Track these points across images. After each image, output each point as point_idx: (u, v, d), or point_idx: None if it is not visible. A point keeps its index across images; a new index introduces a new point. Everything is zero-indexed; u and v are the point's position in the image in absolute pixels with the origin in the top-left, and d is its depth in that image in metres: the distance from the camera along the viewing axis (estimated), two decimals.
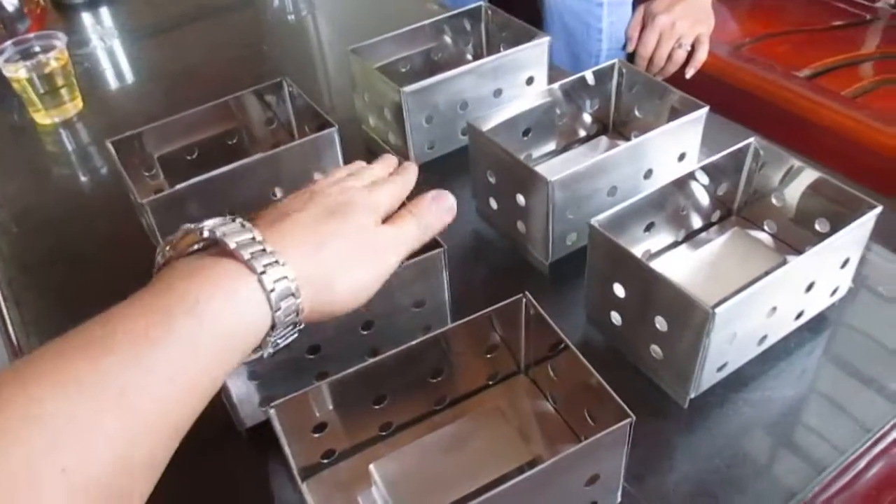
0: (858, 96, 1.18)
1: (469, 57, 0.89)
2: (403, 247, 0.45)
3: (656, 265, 0.52)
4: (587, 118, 0.78)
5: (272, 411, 0.45)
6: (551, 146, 0.77)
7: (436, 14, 0.87)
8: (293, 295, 0.38)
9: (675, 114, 0.69)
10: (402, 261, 0.46)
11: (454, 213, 0.48)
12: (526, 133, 0.73)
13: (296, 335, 0.41)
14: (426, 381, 0.52)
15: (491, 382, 0.55)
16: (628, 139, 0.77)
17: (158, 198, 0.62)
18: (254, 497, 0.52)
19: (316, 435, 0.49)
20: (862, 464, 0.51)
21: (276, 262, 0.38)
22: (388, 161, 0.52)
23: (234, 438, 0.54)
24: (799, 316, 0.57)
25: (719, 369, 0.54)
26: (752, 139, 0.62)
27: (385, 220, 0.46)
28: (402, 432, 0.53)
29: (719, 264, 0.62)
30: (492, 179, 0.67)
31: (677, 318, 0.51)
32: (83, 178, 0.87)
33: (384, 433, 0.52)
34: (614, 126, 0.79)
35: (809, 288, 0.55)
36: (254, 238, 0.38)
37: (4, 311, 0.70)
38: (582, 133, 0.78)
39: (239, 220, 0.40)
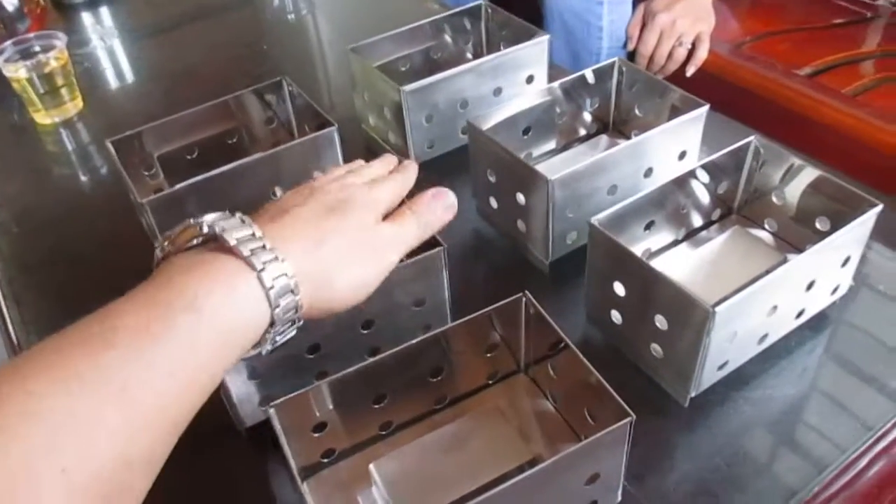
0: (859, 94, 1.18)
1: (469, 56, 0.89)
2: (403, 244, 0.45)
3: (656, 264, 0.52)
4: (587, 117, 0.77)
5: (272, 411, 0.45)
6: (551, 145, 0.77)
7: (435, 13, 0.87)
8: (292, 291, 0.38)
9: (675, 112, 0.69)
10: (401, 258, 0.46)
11: (454, 211, 0.48)
12: (526, 132, 0.73)
13: (294, 332, 0.41)
14: (426, 380, 0.52)
15: (491, 381, 0.55)
16: (628, 138, 0.77)
17: (158, 197, 0.62)
18: (254, 496, 0.52)
19: (316, 434, 0.49)
20: (863, 462, 0.51)
21: (276, 258, 0.38)
22: (388, 159, 0.52)
23: (234, 438, 0.54)
24: (799, 314, 0.57)
25: (720, 368, 0.53)
26: (752, 137, 0.62)
27: (385, 218, 0.46)
28: (402, 431, 0.53)
29: (720, 263, 0.62)
30: (492, 178, 0.67)
31: (678, 316, 0.51)
32: (83, 178, 0.87)
33: (384, 432, 0.52)
34: (614, 124, 0.79)
35: (810, 286, 0.54)
36: (253, 234, 0.38)
37: (5, 310, 0.70)
38: (582, 132, 0.78)
39: (238, 215, 0.40)
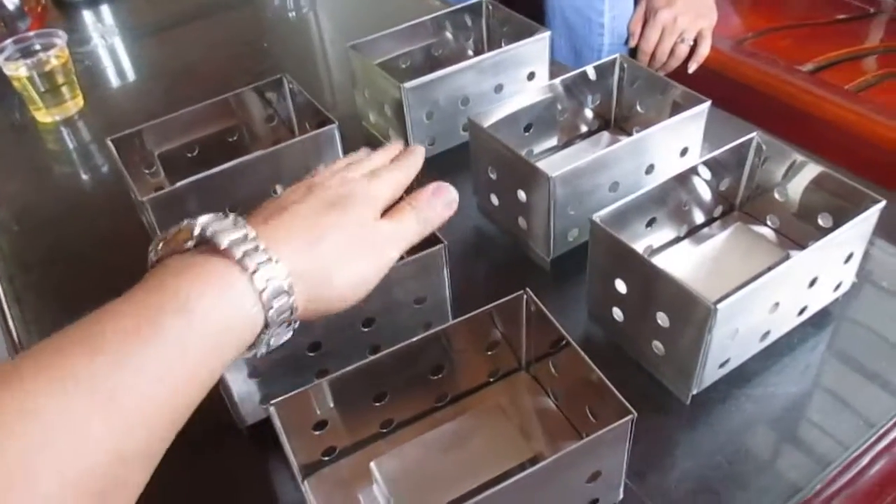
0: (862, 90, 1.18)
1: (470, 52, 0.89)
2: (403, 241, 0.45)
3: (658, 261, 0.52)
4: (588, 113, 0.77)
5: (272, 409, 0.45)
6: (552, 142, 0.77)
7: (436, 10, 0.87)
8: (286, 293, 0.38)
9: (676, 109, 0.68)
10: (401, 255, 0.45)
11: (455, 207, 0.48)
12: (527, 129, 0.73)
13: (290, 334, 0.40)
14: (427, 378, 0.51)
15: (492, 379, 0.55)
16: (630, 134, 0.76)
17: (159, 195, 0.62)
18: (255, 495, 0.52)
19: (317, 432, 0.49)
20: (865, 460, 0.51)
21: (269, 259, 0.37)
22: (393, 148, 0.51)
23: (235, 436, 0.54)
24: (802, 311, 0.57)
25: (721, 365, 0.53)
26: (754, 134, 0.62)
27: (385, 213, 0.45)
28: (403, 429, 0.52)
29: (721, 260, 0.62)
30: (493, 175, 0.67)
31: (679, 313, 0.50)
32: (84, 177, 0.87)
33: (385, 430, 0.52)
34: (616, 121, 0.79)
35: (812, 283, 0.54)
36: (246, 235, 0.38)
37: (6, 308, 0.70)
38: (583, 128, 0.78)
39: (233, 216, 0.39)
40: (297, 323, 0.40)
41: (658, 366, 0.55)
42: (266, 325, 0.38)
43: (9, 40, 0.92)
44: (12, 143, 0.95)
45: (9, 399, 0.30)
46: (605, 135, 0.79)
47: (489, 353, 0.53)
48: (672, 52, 1.22)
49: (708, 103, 0.66)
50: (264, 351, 0.39)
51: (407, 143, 0.75)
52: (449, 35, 0.87)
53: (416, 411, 0.53)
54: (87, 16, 1.20)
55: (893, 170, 1.08)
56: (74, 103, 0.95)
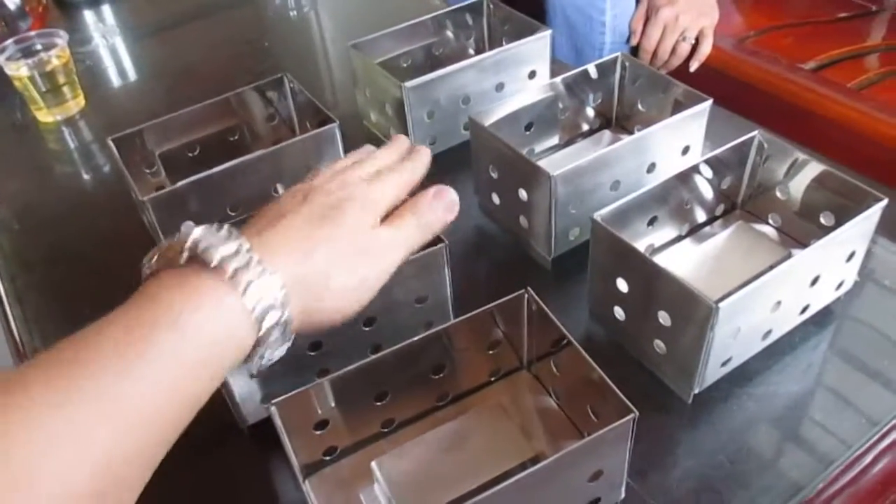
0: (864, 88, 1.17)
1: (471, 51, 0.88)
2: (402, 248, 0.44)
3: (659, 260, 0.52)
4: (590, 112, 0.77)
5: (274, 408, 0.45)
6: (554, 140, 0.76)
7: (437, 9, 0.87)
8: (280, 307, 0.37)
9: (678, 107, 0.68)
10: (401, 262, 0.45)
11: (456, 211, 0.47)
12: (528, 127, 0.73)
13: (285, 348, 0.40)
14: (428, 377, 0.51)
15: (493, 378, 0.55)
16: (631, 133, 0.76)
17: (159, 195, 0.62)
18: (256, 494, 0.52)
19: (318, 432, 0.49)
20: (868, 458, 0.51)
21: (263, 272, 0.37)
22: (398, 146, 0.50)
23: (236, 436, 0.54)
24: (804, 310, 0.56)
25: (723, 364, 0.53)
26: (756, 132, 0.62)
27: (386, 217, 0.45)
28: (404, 429, 0.52)
29: (723, 258, 0.62)
30: (494, 174, 0.67)
31: (681, 312, 0.50)
32: (85, 176, 0.87)
33: (386, 430, 0.52)
34: (617, 120, 0.78)
35: (814, 282, 0.54)
36: (238, 248, 0.37)
37: (7, 308, 0.70)
38: (585, 127, 0.78)
39: (226, 227, 0.39)
40: (293, 337, 0.40)
41: (660, 365, 0.55)
42: (259, 340, 0.37)
43: (10, 40, 0.92)
44: (13, 142, 0.95)
45: (15, 409, 0.30)
46: (607, 133, 0.79)
47: (490, 352, 0.53)
48: (674, 50, 1.22)
49: (709, 102, 0.66)
50: (262, 364, 0.39)
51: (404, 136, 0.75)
52: (450, 34, 0.87)
53: (417, 411, 0.53)
54: (89, 15, 1.20)
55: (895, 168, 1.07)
56: (75, 103, 0.95)
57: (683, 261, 0.62)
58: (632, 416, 0.42)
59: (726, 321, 0.48)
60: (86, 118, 0.95)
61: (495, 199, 0.68)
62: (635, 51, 1.25)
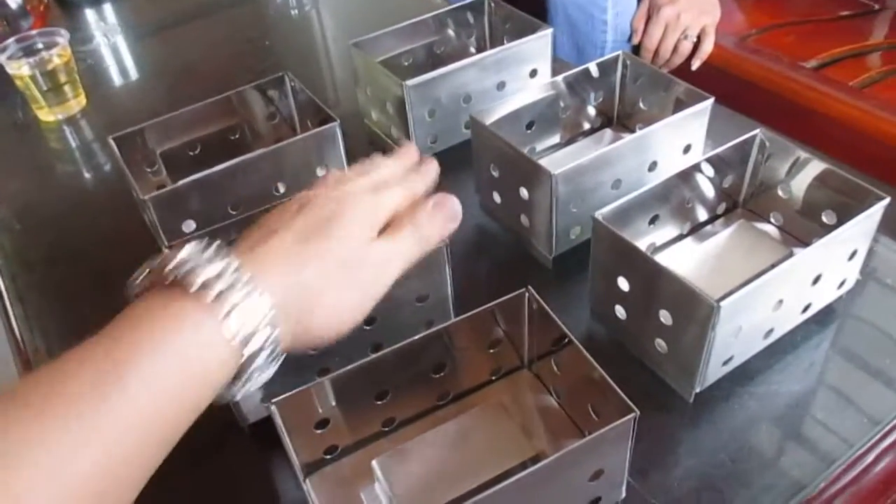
0: (866, 87, 1.17)
1: (472, 50, 0.88)
2: (399, 262, 0.43)
3: (661, 258, 0.52)
4: (591, 111, 0.77)
5: (274, 407, 0.45)
6: (555, 139, 0.76)
7: (438, 7, 0.86)
8: (268, 327, 0.37)
9: (679, 105, 0.68)
10: (398, 275, 0.43)
11: (458, 221, 0.46)
12: (529, 126, 0.73)
13: (274, 369, 0.39)
14: (429, 376, 0.51)
15: (494, 377, 0.55)
16: (633, 131, 0.76)
17: (160, 194, 0.62)
18: (256, 493, 0.52)
19: (318, 431, 0.49)
20: (870, 457, 0.51)
21: (250, 293, 0.36)
22: (406, 157, 0.49)
23: (237, 435, 0.54)
24: (806, 309, 0.56)
25: (725, 363, 0.53)
26: (757, 131, 0.62)
27: (385, 228, 0.43)
28: (405, 428, 0.52)
29: (725, 257, 0.62)
30: (495, 173, 0.67)
31: (682, 311, 0.50)
32: (86, 175, 0.87)
33: (387, 429, 0.52)
34: (618, 118, 0.78)
35: (816, 280, 0.54)
36: (224, 269, 0.36)
37: (8, 307, 0.70)
38: (586, 126, 0.78)
39: (216, 245, 0.38)
40: (283, 356, 0.39)
41: (661, 364, 0.55)
42: (242, 367, 0.37)
43: (11, 39, 0.92)
44: (15, 141, 0.95)
45: (16, 428, 0.31)
46: (608, 132, 0.78)
47: (491, 351, 0.53)
48: (675, 49, 1.22)
49: (711, 100, 0.65)
50: (246, 388, 0.38)
51: (408, 141, 0.75)
52: (451, 32, 0.87)
53: (417, 410, 0.53)
54: (90, 14, 1.20)
55: None
56: (77, 102, 0.95)
57: (685, 260, 0.62)
58: (633, 415, 0.42)
59: (728, 320, 0.48)
60: (87, 117, 0.95)
61: (496, 197, 0.68)
62: (637, 49, 1.24)
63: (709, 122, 0.67)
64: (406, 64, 0.85)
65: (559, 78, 0.72)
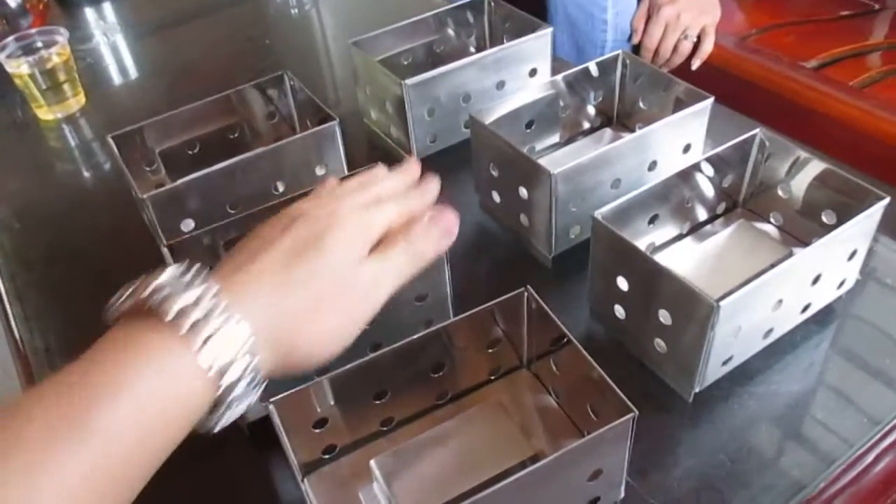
0: (866, 87, 1.17)
1: (472, 49, 0.88)
2: (390, 280, 0.41)
3: (660, 258, 0.52)
4: (591, 110, 0.77)
5: (272, 407, 0.45)
6: (555, 138, 0.76)
7: (438, 6, 0.86)
8: (246, 356, 0.35)
9: (679, 105, 0.68)
10: (391, 294, 0.42)
11: (454, 235, 0.44)
12: (529, 125, 0.73)
13: (256, 397, 0.38)
14: (428, 375, 0.51)
15: (493, 377, 0.55)
16: (632, 131, 0.76)
17: (159, 193, 0.62)
18: (255, 493, 0.52)
19: (317, 430, 0.48)
20: (870, 457, 0.50)
21: (227, 320, 0.35)
22: (408, 173, 0.48)
23: (235, 434, 0.54)
24: (805, 309, 0.56)
25: (724, 363, 0.53)
26: (757, 130, 0.61)
27: (377, 246, 0.42)
28: (404, 427, 0.52)
29: (724, 257, 0.62)
30: (494, 172, 0.66)
31: (681, 311, 0.50)
32: (85, 174, 0.87)
33: (385, 428, 0.52)
34: (618, 118, 0.78)
35: (816, 280, 0.54)
36: (201, 296, 0.35)
37: (7, 306, 0.70)
38: (585, 125, 0.78)
39: (194, 270, 0.37)
40: (263, 385, 0.38)
41: (660, 364, 0.55)
42: (219, 399, 0.36)
43: (10, 38, 0.92)
44: (14, 140, 0.95)
45: (16, 452, 0.31)
46: (608, 131, 0.78)
47: (490, 350, 0.53)
48: (675, 48, 1.21)
49: (711, 100, 0.65)
50: (224, 419, 0.37)
51: (408, 140, 0.75)
52: (451, 31, 0.87)
53: (416, 409, 0.53)
54: (89, 13, 1.20)
55: None
56: (76, 101, 0.95)
57: (684, 259, 0.62)
58: (632, 415, 0.42)
59: (727, 320, 0.48)
60: (86, 116, 0.95)
61: (496, 197, 0.68)
62: (637, 49, 1.24)
63: (708, 122, 0.67)
64: (406, 63, 0.85)
65: (559, 77, 0.72)
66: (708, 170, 0.61)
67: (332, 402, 0.48)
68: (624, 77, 0.75)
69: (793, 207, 0.62)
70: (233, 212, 0.65)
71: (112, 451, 0.32)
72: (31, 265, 0.75)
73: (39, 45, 0.92)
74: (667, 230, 0.63)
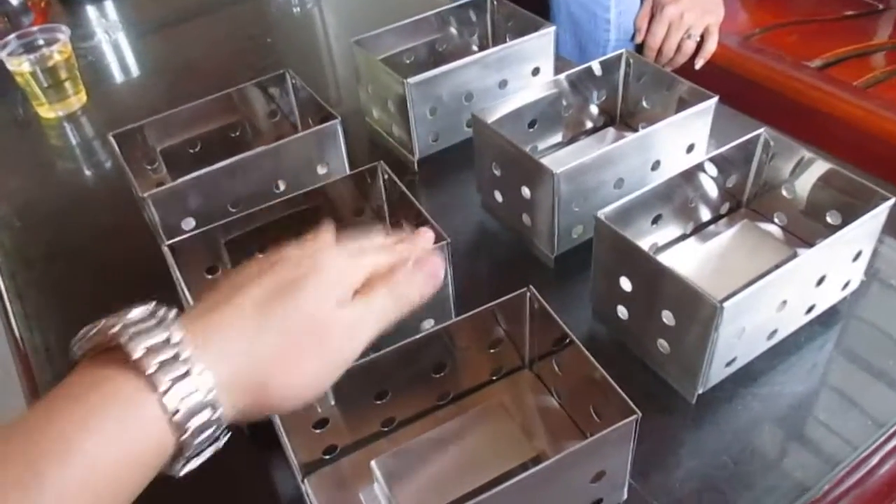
0: (870, 87, 1.16)
1: (474, 48, 0.88)
2: (371, 324, 0.40)
3: (664, 258, 0.52)
4: (594, 109, 0.77)
5: None
6: (557, 138, 0.76)
7: (441, 5, 0.86)
8: (210, 407, 0.34)
9: (683, 104, 0.68)
10: (371, 339, 0.40)
11: (440, 279, 0.43)
12: (532, 125, 0.72)
13: (220, 444, 0.37)
14: (429, 376, 0.51)
15: (494, 377, 0.55)
16: (636, 130, 0.76)
17: (160, 191, 0.62)
18: (255, 493, 0.52)
19: (317, 431, 0.48)
20: (875, 460, 0.50)
21: (188, 371, 0.33)
22: (406, 233, 0.47)
23: (236, 434, 0.53)
24: (810, 310, 0.56)
25: (728, 364, 0.53)
26: (761, 130, 0.61)
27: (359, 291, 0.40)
28: (405, 428, 0.52)
29: (728, 257, 0.61)
30: (497, 172, 0.66)
31: (685, 312, 0.50)
32: (86, 172, 0.87)
33: (386, 429, 0.52)
34: (621, 117, 0.78)
35: (820, 281, 0.53)
36: (168, 340, 0.34)
37: (7, 304, 0.70)
38: (588, 124, 0.78)
39: (163, 311, 0.35)
40: (227, 436, 0.36)
41: (663, 364, 0.55)
42: (183, 445, 0.34)
43: (12, 35, 0.92)
44: (15, 138, 0.95)
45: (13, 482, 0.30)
46: (611, 131, 0.78)
47: (492, 350, 0.53)
48: (678, 48, 1.21)
49: (715, 99, 0.65)
50: (190, 467, 0.36)
51: (410, 138, 0.75)
52: (453, 30, 0.86)
53: (417, 409, 0.52)
54: (91, 11, 1.20)
55: None
56: (77, 99, 0.95)
57: (688, 260, 0.61)
58: (635, 416, 0.42)
59: (731, 321, 0.48)
60: (87, 114, 0.95)
61: (498, 196, 0.68)
62: (640, 48, 1.24)
63: (712, 122, 0.67)
64: (408, 62, 0.84)
65: (562, 76, 0.71)
66: (711, 170, 0.61)
67: (332, 403, 0.48)
68: (627, 76, 0.74)
69: (797, 208, 0.62)
70: (234, 211, 0.65)
71: (83, 485, 0.31)
72: (32, 263, 0.74)
73: (41, 42, 0.92)
74: (670, 230, 0.63)
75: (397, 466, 0.48)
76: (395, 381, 0.49)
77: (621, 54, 0.73)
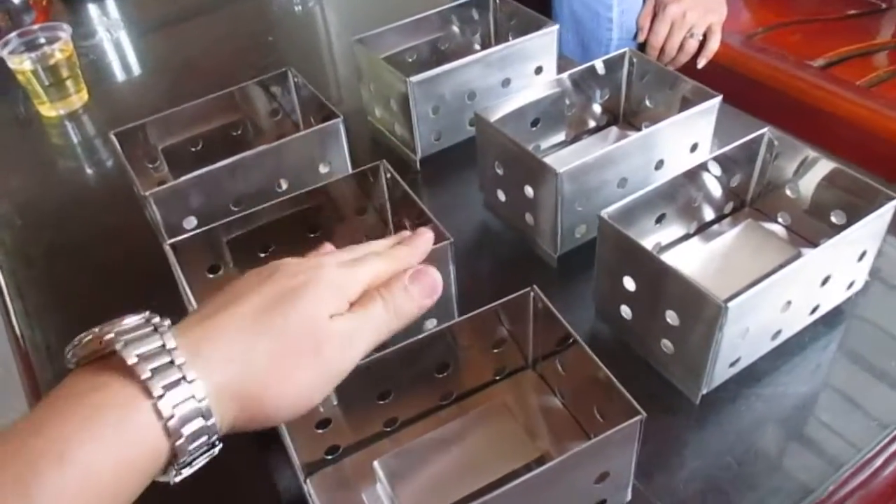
0: (873, 86, 1.16)
1: (477, 46, 0.88)
2: (367, 336, 0.40)
3: (667, 258, 0.51)
4: (597, 108, 0.76)
5: None
6: (560, 137, 0.76)
7: (443, 3, 0.86)
8: (202, 416, 0.34)
9: (686, 104, 0.67)
10: (366, 352, 0.40)
11: (438, 294, 0.43)
12: (534, 124, 0.72)
13: (215, 452, 0.37)
14: (432, 376, 0.51)
15: (498, 377, 0.54)
16: (639, 129, 0.75)
17: (161, 190, 0.61)
18: (257, 493, 0.52)
19: (320, 431, 0.48)
20: (879, 461, 0.50)
21: (182, 378, 0.33)
22: (404, 235, 0.47)
23: (238, 434, 0.53)
24: (814, 310, 0.56)
25: (732, 364, 0.52)
26: (765, 129, 0.61)
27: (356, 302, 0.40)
28: (407, 428, 0.52)
29: (732, 257, 0.61)
30: (499, 171, 0.66)
31: (689, 312, 0.50)
32: (87, 171, 0.87)
33: (389, 429, 0.51)
34: (625, 116, 0.78)
35: (825, 282, 0.53)
36: (162, 347, 0.34)
37: (8, 303, 0.70)
38: (591, 123, 0.77)
39: (157, 320, 0.35)
40: (220, 445, 0.36)
41: (667, 365, 0.54)
42: (177, 451, 0.34)
43: (13, 34, 0.91)
44: (16, 137, 0.94)
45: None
46: (614, 130, 0.78)
47: (495, 350, 0.53)
48: (681, 47, 1.21)
49: (719, 98, 0.65)
50: (184, 475, 0.36)
51: (412, 138, 0.75)
52: (456, 29, 0.86)
53: (420, 410, 0.52)
54: (92, 10, 1.20)
55: None
56: (79, 97, 0.94)
57: (691, 259, 0.61)
58: (639, 417, 0.41)
59: (735, 321, 0.48)
60: (89, 112, 0.95)
61: (501, 195, 0.68)
62: (642, 47, 1.24)
63: (716, 121, 0.66)
64: (410, 60, 0.84)
65: (565, 75, 0.71)
66: (715, 169, 0.61)
67: (334, 402, 0.47)
68: (630, 75, 0.74)
69: (801, 207, 0.62)
70: (236, 209, 0.65)
71: (81, 491, 0.31)
72: (33, 262, 0.74)
73: (42, 41, 0.92)
74: (674, 230, 0.62)
75: (400, 467, 0.48)
76: (398, 381, 0.49)
77: (624, 53, 0.73)
